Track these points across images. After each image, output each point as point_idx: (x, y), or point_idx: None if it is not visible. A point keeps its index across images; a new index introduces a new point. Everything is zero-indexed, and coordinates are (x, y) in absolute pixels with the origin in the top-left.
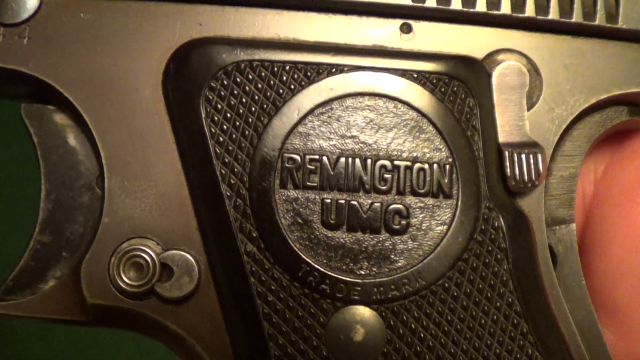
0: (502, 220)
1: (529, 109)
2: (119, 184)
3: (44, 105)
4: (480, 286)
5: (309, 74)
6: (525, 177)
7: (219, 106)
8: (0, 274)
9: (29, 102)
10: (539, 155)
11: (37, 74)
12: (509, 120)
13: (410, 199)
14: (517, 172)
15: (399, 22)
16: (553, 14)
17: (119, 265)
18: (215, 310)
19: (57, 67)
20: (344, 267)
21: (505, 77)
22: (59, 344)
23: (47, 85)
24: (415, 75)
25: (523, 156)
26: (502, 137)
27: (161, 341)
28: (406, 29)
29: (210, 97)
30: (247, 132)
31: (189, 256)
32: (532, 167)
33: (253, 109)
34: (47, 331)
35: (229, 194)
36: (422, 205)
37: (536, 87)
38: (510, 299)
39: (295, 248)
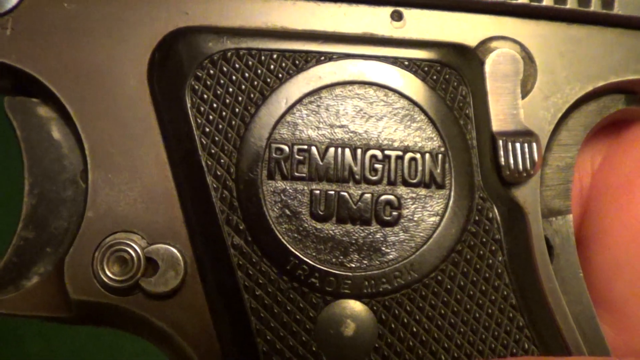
0: (496, 210)
1: (523, 97)
2: (103, 177)
3: (27, 98)
4: (475, 279)
5: (297, 62)
6: (520, 167)
7: (205, 96)
8: None
9: (11, 95)
10: (534, 144)
11: (20, 65)
12: (503, 109)
13: (401, 190)
14: (511, 161)
15: (389, 9)
16: (547, 0)
17: (102, 260)
18: (201, 306)
19: (40, 58)
20: (334, 259)
21: (498, 64)
22: (59, 344)
23: (31, 78)
24: (406, 63)
25: (517, 145)
26: (496, 125)
27: (147, 338)
28: (397, 17)
29: (196, 87)
30: (233, 122)
31: (174, 250)
32: (527, 156)
33: (240, 98)
34: (47, 330)
35: (215, 185)
36: (414, 195)
37: (530, 75)
38: (505, 292)
39: (283, 241)
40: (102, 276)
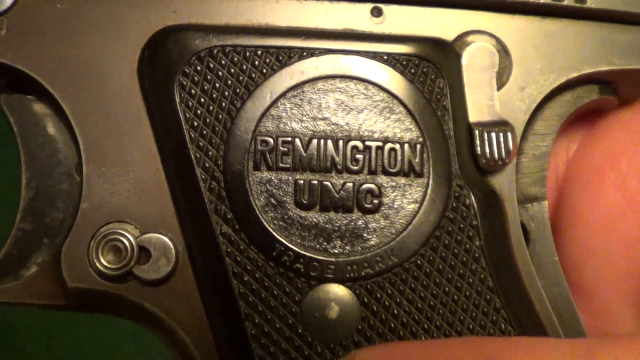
0: (473, 198)
1: (499, 89)
2: (97, 170)
3: (23, 95)
4: (453, 263)
5: (280, 58)
6: (496, 155)
7: (193, 91)
8: None
9: (8, 92)
10: (509, 134)
11: (16, 64)
12: (479, 100)
13: (382, 179)
14: (487, 150)
15: (369, 5)
16: None
17: (97, 249)
18: (193, 292)
19: (35, 57)
20: (318, 246)
21: (474, 57)
22: (59, 344)
23: (26, 76)
24: (385, 57)
25: (493, 135)
26: (473, 116)
27: (141, 324)
28: (377, 13)
29: (184, 83)
30: (220, 116)
31: (166, 239)
32: (502, 145)
33: (226, 93)
34: (47, 330)
35: (203, 177)
36: (393, 184)
37: (506, 67)
38: (482, 275)
39: (269, 228)
40: (98, 264)
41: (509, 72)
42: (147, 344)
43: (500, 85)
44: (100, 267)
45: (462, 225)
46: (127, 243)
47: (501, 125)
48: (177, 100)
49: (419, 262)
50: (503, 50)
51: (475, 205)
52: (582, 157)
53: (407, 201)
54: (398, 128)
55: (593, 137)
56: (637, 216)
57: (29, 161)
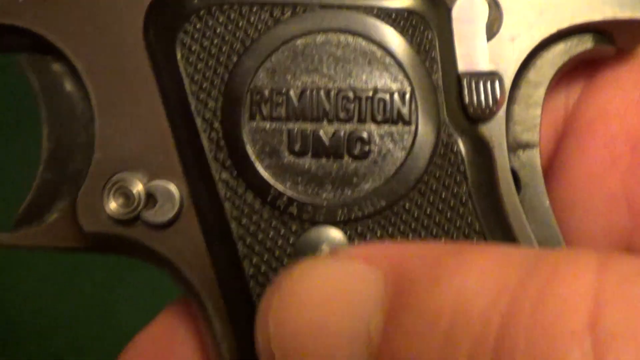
0: (461, 144)
1: (489, 39)
2: (108, 123)
3: (42, 56)
4: (440, 207)
5: (274, 13)
6: (483, 104)
7: (193, 48)
8: None
9: (29, 53)
10: (497, 82)
11: (32, 27)
12: (469, 51)
13: (371, 127)
14: (475, 99)
15: None
16: None
17: (109, 196)
18: (196, 234)
19: (49, 20)
20: (310, 191)
21: (465, 10)
22: (59, 344)
23: (42, 38)
24: (375, 12)
25: (481, 83)
26: (462, 66)
27: (153, 264)
28: None
29: (185, 40)
30: (218, 71)
31: (170, 185)
32: (490, 94)
33: (223, 48)
34: (47, 331)
35: (204, 127)
36: (382, 132)
37: (496, 18)
38: (470, 219)
39: (264, 175)
40: (109, 210)
41: (500, 23)
42: None
43: (491, 35)
44: (111, 213)
45: (450, 171)
46: (135, 190)
47: (490, 74)
48: (179, 56)
49: (407, 205)
50: (493, 2)
51: (462, 151)
52: (577, 113)
53: (395, 148)
54: (387, 78)
55: (589, 92)
56: (621, 175)
57: (49, 116)
